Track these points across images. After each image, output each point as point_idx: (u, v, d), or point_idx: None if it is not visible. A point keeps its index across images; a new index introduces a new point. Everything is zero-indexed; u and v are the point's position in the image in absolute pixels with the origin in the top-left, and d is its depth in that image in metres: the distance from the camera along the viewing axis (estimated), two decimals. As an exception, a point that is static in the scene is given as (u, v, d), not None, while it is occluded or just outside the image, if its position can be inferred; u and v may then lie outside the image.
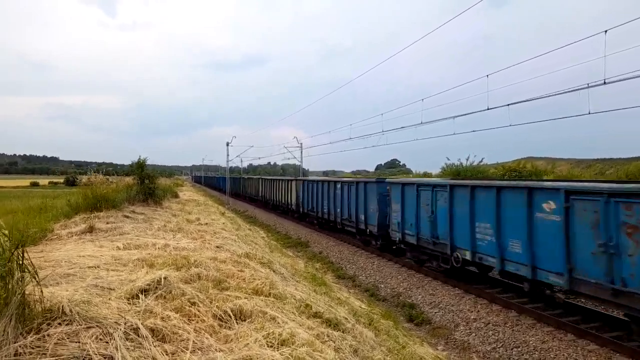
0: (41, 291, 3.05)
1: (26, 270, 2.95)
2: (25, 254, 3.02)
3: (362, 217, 17.28)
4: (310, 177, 29.41)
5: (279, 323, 4.04)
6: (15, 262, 2.90)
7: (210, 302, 4.24)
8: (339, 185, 20.26)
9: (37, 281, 3.02)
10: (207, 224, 11.98)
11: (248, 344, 3.40)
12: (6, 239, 2.99)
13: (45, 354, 2.58)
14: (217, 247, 8.04)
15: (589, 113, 11.54)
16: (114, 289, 4.22)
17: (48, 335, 2.76)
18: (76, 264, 5.27)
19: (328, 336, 4.23)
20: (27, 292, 2.92)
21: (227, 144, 47.85)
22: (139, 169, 15.57)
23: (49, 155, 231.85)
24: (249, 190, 47.38)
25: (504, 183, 10.37)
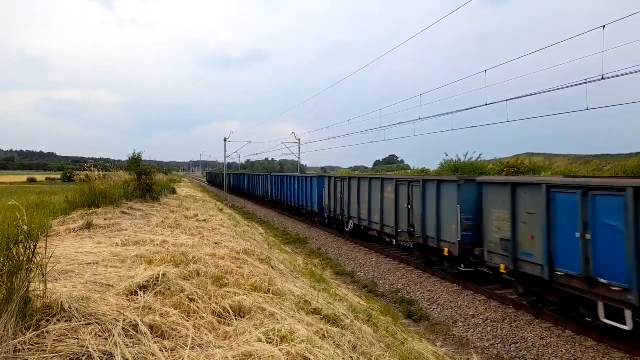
0: (45, 288, 3.04)
1: (34, 265, 2.94)
2: (38, 250, 3.01)
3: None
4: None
5: (278, 319, 4.03)
6: (25, 257, 2.89)
7: (209, 299, 4.23)
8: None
9: (43, 277, 3.01)
10: (205, 220, 11.96)
11: (247, 340, 3.39)
12: (24, 232, 2.97)
13: (44, 350, 2.56)
14: (216, 243, 8.02)
15: (587, 109, 11.55)
16: (112, 286, 4.21)
17: (47, 331, 2.75)
18: (75, 261, 5.25)
19: (327, 332, 4.23)
20: (30, 289, 2.91)
21: (225, 140, 47.74)
22: (135, 164, 15.53)
23: (45, 151, 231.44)
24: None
25: None
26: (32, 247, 2.96)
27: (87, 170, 13.76)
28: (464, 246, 11.08)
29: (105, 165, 16.17)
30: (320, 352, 3.38)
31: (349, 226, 18.96)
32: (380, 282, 12.95)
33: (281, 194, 31.71)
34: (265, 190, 37.80)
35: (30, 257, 2.92)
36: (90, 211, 10.34)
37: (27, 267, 2.86)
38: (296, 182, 27.71)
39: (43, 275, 3.02)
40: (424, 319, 9.79)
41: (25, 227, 2.96)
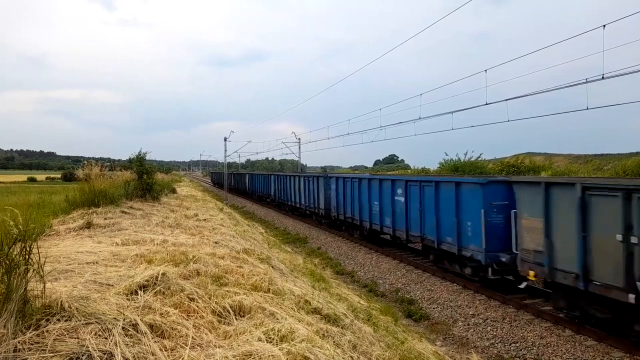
0: (44, 287, 3.04)
1: (31, 264, 2.94)
2: (34, 249, 3.01)
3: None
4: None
5: (278, 319, 4.04)
6: (21, 256, 2.89)
7: (209, 298, 4.23)
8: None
9: (41, 276, 3.01)
10: (205, 219, 11.96)
11: (247, 339, 3.39)
12: (15, 230, 2.97)
13: (44, 350, 2.56)
14: (216, 242, 8.02)
15: (587, 108, 11.54)
16: (112, 285, 4.20)
17: (47, 331, 2.75)
18: (74, 260, 5.25)
19: (327, 332, 4.23)
20: (28, 288, 2.91)
21: (225, 139, 47.67)
22: (139, 163, 15.49)
23: (45, 151, 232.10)
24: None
25: None
26: (27, 247, 2.96)
27: (89, 165, 13.53)
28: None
29: (105, 164, 16.09)
30: (320, 351, 3.39)
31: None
32: (380, 281, 12.95)
33: (352, 209, 18.55)
34: (312, 200, 24.00)
35: (27, 256, 2.92)
36: (90, 210, 10.34)
37: (24, 266, 2.86)
38: (398, 190, 14.62)
39: (41, 275, 3.02)
40: (424, 319, 9.79)
41: (21, 227, 2.96)
